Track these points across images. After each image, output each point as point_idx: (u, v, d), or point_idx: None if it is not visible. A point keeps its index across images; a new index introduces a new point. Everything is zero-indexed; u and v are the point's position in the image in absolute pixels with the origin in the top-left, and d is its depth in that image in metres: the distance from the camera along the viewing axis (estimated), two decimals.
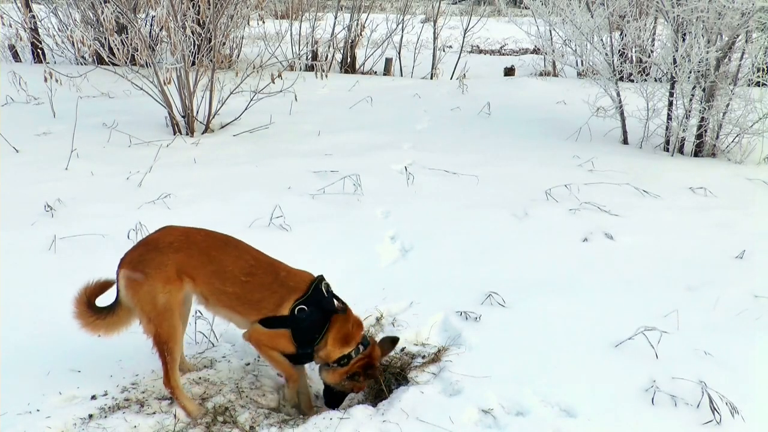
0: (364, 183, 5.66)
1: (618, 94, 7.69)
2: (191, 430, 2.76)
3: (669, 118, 7.30)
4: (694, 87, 6.99)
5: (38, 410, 2.73)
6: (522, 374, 3.12)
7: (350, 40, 12.15)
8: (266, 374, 3.18)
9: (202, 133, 7.57)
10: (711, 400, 2.76)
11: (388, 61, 12.26)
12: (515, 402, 2.88)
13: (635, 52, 9.72)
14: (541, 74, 12.29)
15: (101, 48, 7.67)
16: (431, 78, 12.12)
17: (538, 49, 13.56)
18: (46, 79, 7.14)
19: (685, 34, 6.88)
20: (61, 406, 2.79)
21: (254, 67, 8.11)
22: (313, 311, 2.79)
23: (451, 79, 11.83)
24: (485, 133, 7.94)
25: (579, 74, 10.52)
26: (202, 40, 7.44)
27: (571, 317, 3.62)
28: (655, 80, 8.06)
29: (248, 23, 9.40)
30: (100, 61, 8.92)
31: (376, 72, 12.40)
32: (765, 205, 5.68)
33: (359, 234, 4.78)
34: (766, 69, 7.08)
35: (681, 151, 7.31)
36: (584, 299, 3.84)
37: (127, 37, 7.33)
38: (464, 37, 12.66)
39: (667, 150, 7.35)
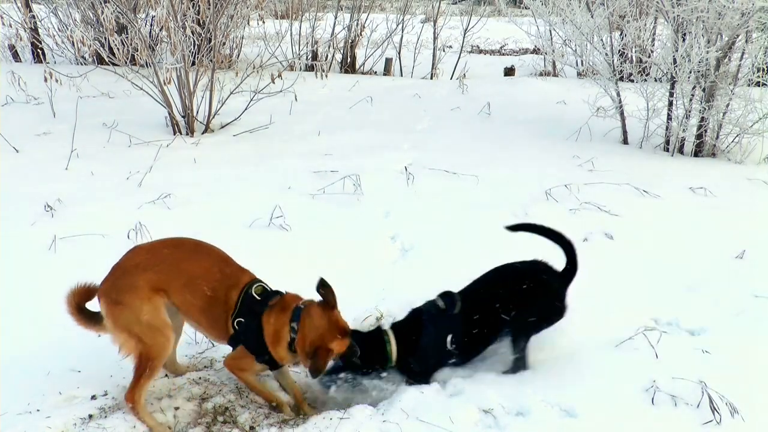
0: (364, 183, 5.66)
1: (618, 94, 7.69)
2: (191, 430, 2.76)
3: (669, 118, 7.30)
4: (694, 87, 6.99)
5: (38, 410, 2.74)
6: (522, 374, 3.12)
7: (350, 40, 12.14)
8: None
9: (202, 133, 7.57)
10: (711, 400, 2.76)
11: (388, 61, 12.26)
12: (515, 402, 2.88)
13: (635, 52, 9.71)
14: (541, 74, 12.28)
15: (101, 48, 7.67)
16: (431, 78, 12.12)
17: (538, 49, 13.54)
18: (46, 79, 7.14)
19: (685, 34, 6.88)
20: (61, 406, 2.79)
21: (254, 67, 8.11)
22: (248, 322, 2.75)
23: (451, 79, 11.83)
24: (485, 133, 7.94)
25: (579, 74, 10.51)
26: (202, 40, 7.44)
27: (571, 317, 3.61)
28: (655, 80, 8.06)
29: (248, 23, 9.40)
30: (100, 61, 8.92)
31: (376, 72, 12.39)
32: (765, 205, 5.68)
33: (359, 234, 4.78)
34: (766, 69, 7.08)
35: (681, 151, 7.31)
36: (584, 299, 3.83)
37: (127, 37, 7.34)
38: (464, 37, 12.66)
39: (667, 150, 7.35)
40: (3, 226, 4.64)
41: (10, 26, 10.16)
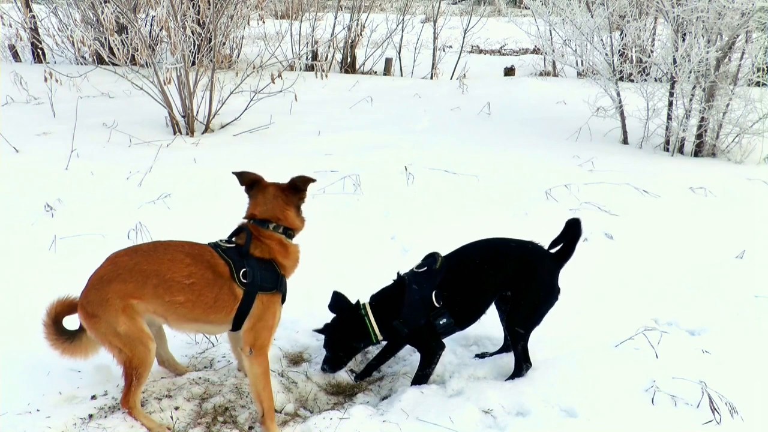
0: (364, 183, 5.66)
1: (618, 94, 7.69)
2: (191, 430, 2.76)
3: (669, 118, 7.30)
4: (694, 87, 6.99)
5: (38, 410, 2.73)
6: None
7: (350, 40, 12.15)
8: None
9: (202, 133, 7.57)
10: (711, 400, 2.76)
11: (388, 61, 12.26)
12: (515, 402, 2.88)
13: (635, 52, 9.72)
14: (541, 74, 12.30)
15: (101, 48, 7.67)
16: (431, 78, 12.12)
17: (538, 49, 13.56)
18: (46, 79, 7.15)
19: (685, 34, 6.89)
20: (61, 406, 2.78)
21: (254, 67, 8.12)
22: (249, 263, 2.71)
23: (451, 79, 11.84)
24: (485, 133, 7.94)
25: (579, 74, 10.52)
26: (202, 40, 7.45)
27: (571, 317, 3.62)
28: (655, 80, 8.07)
29: (248, 23, 9.40)
30: (100, 61, 8.93)
31: (376, 72, 12.40)
32: (765, 205, 5.68)
33: (359, 234, 4.78)
34: (766, 69, 7.08)
35: (681, 151, 7.31)
36: (584, 299, 3.84)
37: (127, 37, 7.34)
38: (464, 37, 12.66)
39: (667, 150, 7.36)
40: (3, 226, 4.64)
41: (10, 26, 10.16)
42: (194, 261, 2.67)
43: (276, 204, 2.84)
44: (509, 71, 12.07)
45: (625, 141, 7.71)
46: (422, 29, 13.27)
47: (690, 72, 6.87)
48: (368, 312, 3.11)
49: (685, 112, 7.07)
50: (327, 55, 12.20)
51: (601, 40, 8.03)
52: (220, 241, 2.81)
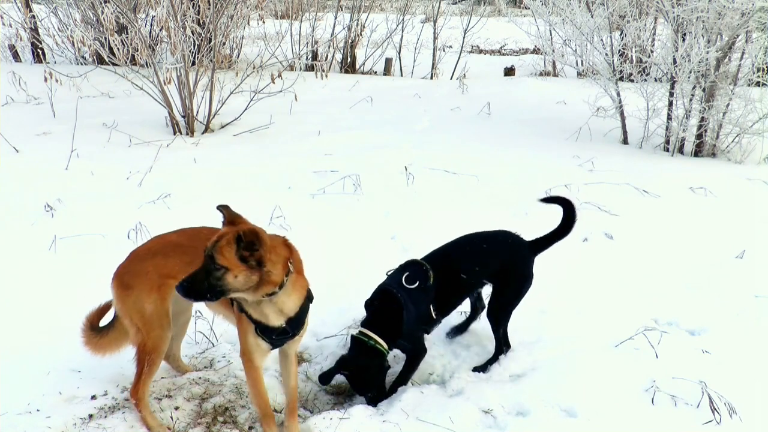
0: (364, 183, 5.66)
1: (618, 94, 7.69)
2: (191, 430, 2.76)
3: (669, 118, 7.30)
4: (694, 87, 6.99)
5: (38, 410, 2.74)
6: (522, 374, 3.12)
7: (350, 40, 12.15)
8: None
9: (202, 133, 7.57)
10: (711, 400, 2.76)
11: (388, 61, 12.26)
12: (515, 402, 2.89)
13: (635, 52, 9.72)
14: (541, 74, 12.29)
15: (101, 48, 7.66)
16: (431, 78, 12.12)
17: (538, 49, 13.55)
18: (46, 79, 7.14)
19: (685, 34, 6.88)
20: (61, 406, 2.79)
21: (254, 67, 8.12)
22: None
23: (451, 79, 11.83)
24: (485, 133, 7.94)
25: (579, 74, 10.52)
26: (202, 40, 7.45)
27: (571, 317, 3.62)
28: (655, 80, 8.07)
29: (248, 23, 9.40)
30: (100, 61, 8.92)
31: (376, 72, 12.40)
32: (765, 205, 5.68)
33: (359, 234, 4.78)
34: (766, 69, 7.08)
35: (681, 151, 7.31)
36: (584, 299, 3.84)
37: (127, 37, 7.33)
38: (464, 37, 12.66)
39: (667, 150, 7.35)
40: (3, 226, 4.64)
41: (10, 26, 10.15)
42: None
43: None
44: (509, 71, 12.07)
45: (625, 141, 7.71)
46: (422, 29, 13.27)
47: (690, 72, 6.86)
48: (376, 339, 3.03)
49: (685, 112, 7.07)
50: (327, 55, 12.20)
51: (601, 40, 8.03)
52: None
